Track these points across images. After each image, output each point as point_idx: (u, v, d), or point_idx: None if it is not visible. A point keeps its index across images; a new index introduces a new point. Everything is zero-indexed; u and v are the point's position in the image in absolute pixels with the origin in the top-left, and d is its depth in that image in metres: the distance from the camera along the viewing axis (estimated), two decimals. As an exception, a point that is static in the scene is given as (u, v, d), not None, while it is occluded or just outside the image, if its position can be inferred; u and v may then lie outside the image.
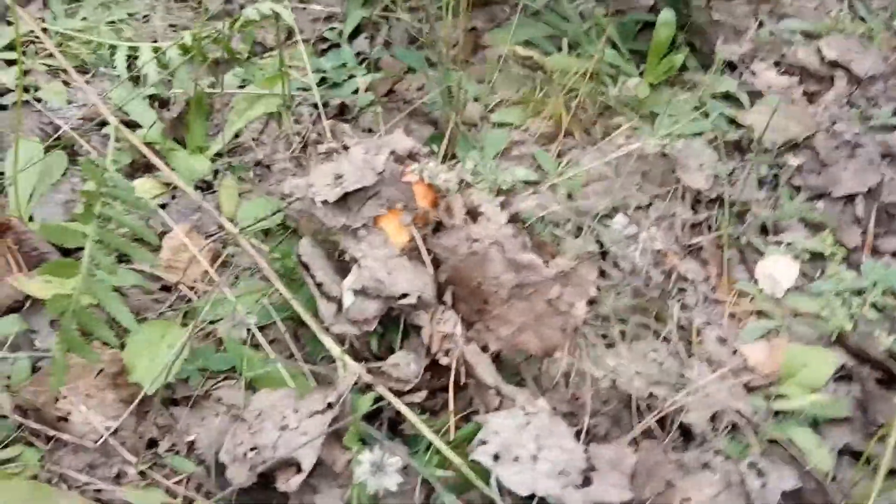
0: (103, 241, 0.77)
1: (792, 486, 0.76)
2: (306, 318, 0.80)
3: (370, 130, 1.09)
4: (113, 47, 0.93)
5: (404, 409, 0.77)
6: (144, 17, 1.14)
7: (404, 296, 0.79)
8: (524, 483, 0.72)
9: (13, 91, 1.04)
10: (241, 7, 1.16)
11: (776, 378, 0.91)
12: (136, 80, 1.07)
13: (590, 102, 1.13)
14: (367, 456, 0.69)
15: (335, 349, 0.80)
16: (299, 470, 0.71)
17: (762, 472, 0.78)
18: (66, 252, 0.92)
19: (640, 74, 1.18)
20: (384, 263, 0.80)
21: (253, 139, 1.05)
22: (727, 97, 1.19)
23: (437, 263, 0.84)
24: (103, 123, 1.02)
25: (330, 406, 0.75)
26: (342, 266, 0.84)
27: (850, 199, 1.10)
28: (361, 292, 0.80)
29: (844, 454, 0.85)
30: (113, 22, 1.11)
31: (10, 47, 1.09)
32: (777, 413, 0.87)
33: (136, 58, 1.04)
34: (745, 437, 0.84)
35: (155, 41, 1.09)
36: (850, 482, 0.81)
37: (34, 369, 0.84)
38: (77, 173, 0.99)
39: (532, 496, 0.73)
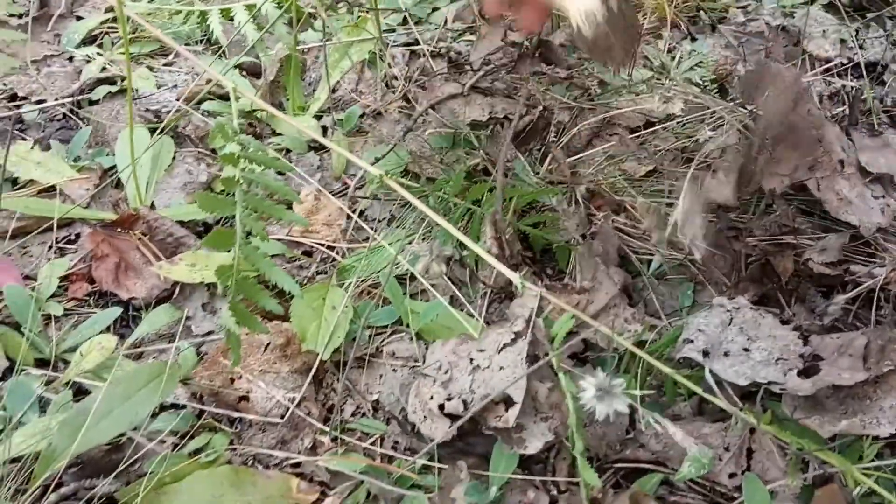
0: (250, 205, 0.73)
1: None
2: (474, 246, 0.74)
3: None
4: (203, 14, 0.88)
5: (597, 325, 0.72)
6: (213, -14, 1.09)
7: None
8: (742, 373, 0.67)
9: (102, 84, 1.00)
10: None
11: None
12: (221, 54, 1.02)
13: (691, -11, 1.06)
14: (590, 381, 0.65)
15: (511, 273, 0.75)
16: (507, 405, 0.67)
17: None
18: (198, 234, 0.89)
19: (737, -49, 1.10)
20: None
21: (352, 90, 1.00)
22: (835, -44, 1.10)
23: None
24: (200, 102, 0.98)
25: (517, 336, 0.70)
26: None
27: None
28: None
29: None
30: (183, -4, 1.06)
31: (85, 42, 1.05)
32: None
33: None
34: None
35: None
36: None
37: (198, 355, 0.81)
38: (188, 156, 0.95)
39: (752, 387, 0.68)
